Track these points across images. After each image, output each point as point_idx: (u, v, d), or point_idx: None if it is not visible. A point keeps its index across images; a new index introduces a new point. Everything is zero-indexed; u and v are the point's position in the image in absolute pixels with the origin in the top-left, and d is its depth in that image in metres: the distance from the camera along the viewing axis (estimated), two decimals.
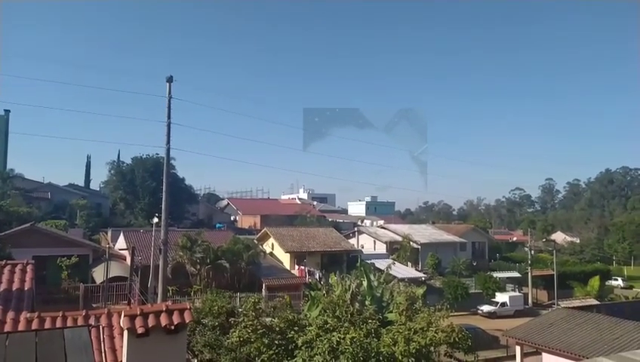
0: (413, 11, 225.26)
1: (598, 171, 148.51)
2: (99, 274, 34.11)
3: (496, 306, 43.19)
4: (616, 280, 62.33)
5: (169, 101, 24.11)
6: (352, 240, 55.04)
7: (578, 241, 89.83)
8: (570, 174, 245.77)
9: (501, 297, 44.33)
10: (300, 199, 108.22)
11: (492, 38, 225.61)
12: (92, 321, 9.87)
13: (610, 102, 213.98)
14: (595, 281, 49.25)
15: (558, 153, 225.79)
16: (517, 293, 46.72)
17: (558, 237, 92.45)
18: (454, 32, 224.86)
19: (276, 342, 15.01)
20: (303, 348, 13.93)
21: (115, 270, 33.95)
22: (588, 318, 23.12)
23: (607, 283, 55.27)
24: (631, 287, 60.93)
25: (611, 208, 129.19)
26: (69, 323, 9.64)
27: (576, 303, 40.41)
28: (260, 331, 15.07)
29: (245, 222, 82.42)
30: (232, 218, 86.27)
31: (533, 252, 55.09)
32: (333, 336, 13.63)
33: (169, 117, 24.08)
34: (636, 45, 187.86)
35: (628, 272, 71.91)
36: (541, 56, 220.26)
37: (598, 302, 42.48)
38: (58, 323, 9.47)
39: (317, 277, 39.70)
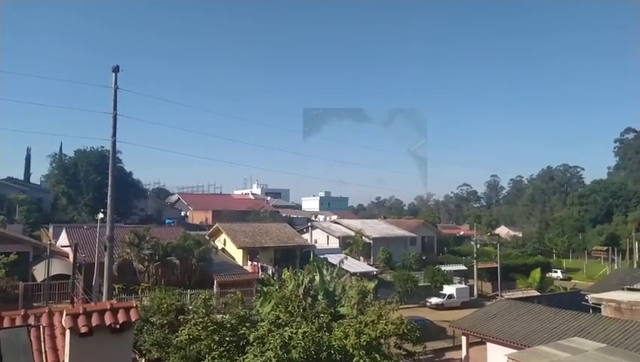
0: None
1: (540, 168, 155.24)
2: (40, 272, 32.62)
3: (443, 298, 44.41)
4: (556, 272, 65.46)
5: (115, 92, 23.23)
6: (306, 236, 55.17)
7: (521, 235, 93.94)
8: (514, 171, 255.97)
9: (448, 289, 45.65)
10: (253, 194, 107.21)
11: (437, 29, 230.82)
12: (32, 321, 9.41)
13: (557, 103, 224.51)
14: (536, 273, 51.42)
15: (502, 150, 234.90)
16: (463, 285, 48.20)
17: (502, 231, 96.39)
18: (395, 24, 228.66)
19: (227, 338, 14.84)
20: (254, 343, 13.84)
21: (57, 268, 32.56)
22: (529, 309, 24.15)
23: (547, 275, 57.81)
24: (569, 279, 64.24)
25: (552, 204, 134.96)
26: (6, 323, 9.17)
27: (519, 294, 42.23)
28: (211, 328, 14.87)
29: (196, 217, 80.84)
30: (182, 213, 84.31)
31: (478, 245, 57.13)
32: (285, 331, 13.62)
33: (115, 108, 23.22)
34: (579, 45, 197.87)
35: (566, 264, 75.75)
36: (489, 48, 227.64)
37: (539, 293, 44.59)
38: None
39: (270, 272, 39.50)
